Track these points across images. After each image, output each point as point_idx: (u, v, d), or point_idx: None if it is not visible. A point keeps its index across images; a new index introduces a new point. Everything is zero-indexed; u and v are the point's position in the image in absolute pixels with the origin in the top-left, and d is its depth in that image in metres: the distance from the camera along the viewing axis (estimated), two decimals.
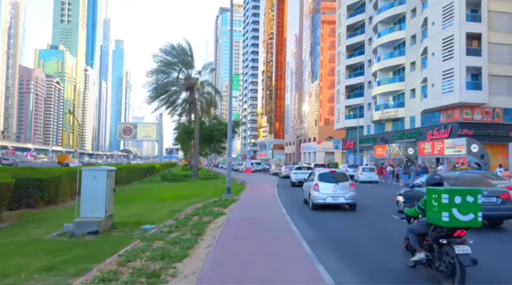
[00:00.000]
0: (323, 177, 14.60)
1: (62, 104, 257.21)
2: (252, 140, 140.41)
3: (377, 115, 48.10)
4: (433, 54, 36.65)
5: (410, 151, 36.06)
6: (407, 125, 43.91)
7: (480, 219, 5.25)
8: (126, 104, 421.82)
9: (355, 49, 57.36)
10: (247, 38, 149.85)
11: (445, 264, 5.41)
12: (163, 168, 59.11)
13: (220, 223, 10.31)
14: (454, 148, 28.72)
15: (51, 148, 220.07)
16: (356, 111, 55.63)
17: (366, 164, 44.34)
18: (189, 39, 35.20)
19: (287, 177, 36.15)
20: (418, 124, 41.80)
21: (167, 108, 37.76)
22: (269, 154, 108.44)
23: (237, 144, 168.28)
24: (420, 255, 5.84)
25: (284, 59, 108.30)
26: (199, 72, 32.79)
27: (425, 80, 38.59)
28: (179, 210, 12.89)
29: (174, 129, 63.07)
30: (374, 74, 49.12)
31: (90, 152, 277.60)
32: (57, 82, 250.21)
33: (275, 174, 45.44)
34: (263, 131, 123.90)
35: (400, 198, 13.57)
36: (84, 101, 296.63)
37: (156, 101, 32.66)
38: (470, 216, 5.21)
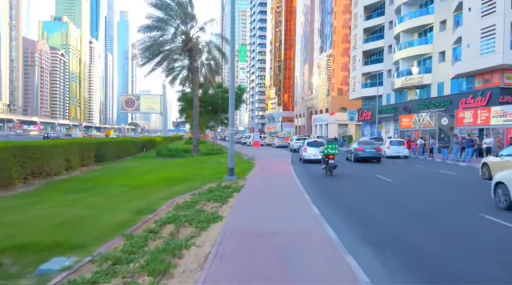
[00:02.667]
0: (309, 144, 23.65)
1: (67, 77, 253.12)
2: (260, 113, 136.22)
3: (399, 82, 43.20)
4: (469, 9, 31.56)
5: (444, 121, 31.24)
6: (434, 93, 39.16)
7: (337, 151, 16.64)
8: (132, 77, 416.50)
9: (374, 10, 51.76)
10: (254, 5, 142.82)
11: (327, 167, 16.53)
12: (166, 142, 55.15)
13: (207, 247, 5.67)
14: (504, 116, 24.02)
15: (58, 122, 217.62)
16: (374, 79, 50.76)
17: (390, 137, 39.86)
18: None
19: (280, 147, 47.24)
20: (447, 91, 37.05)
21: (167, 75, 33.10)
22: (278, 126, 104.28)
23: (244, 116, 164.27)
24: (324, 166, 17.07)
25: (293, 26, 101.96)
26: (201, 28, 27.70)
27: (458, 40, 33.58)
28: (150, 208, 8.22)
29: (178, 100, 58.94)
30: (396, 37, 43.96)
31: (98, 125, 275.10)
32: (62, 55, 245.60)
33: (269, 145, 53.98)
34: (272, 103, 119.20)
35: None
36: (90, 74, 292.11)
37: (149, 64, 27.91)
38: (333, 151, 16.45)
